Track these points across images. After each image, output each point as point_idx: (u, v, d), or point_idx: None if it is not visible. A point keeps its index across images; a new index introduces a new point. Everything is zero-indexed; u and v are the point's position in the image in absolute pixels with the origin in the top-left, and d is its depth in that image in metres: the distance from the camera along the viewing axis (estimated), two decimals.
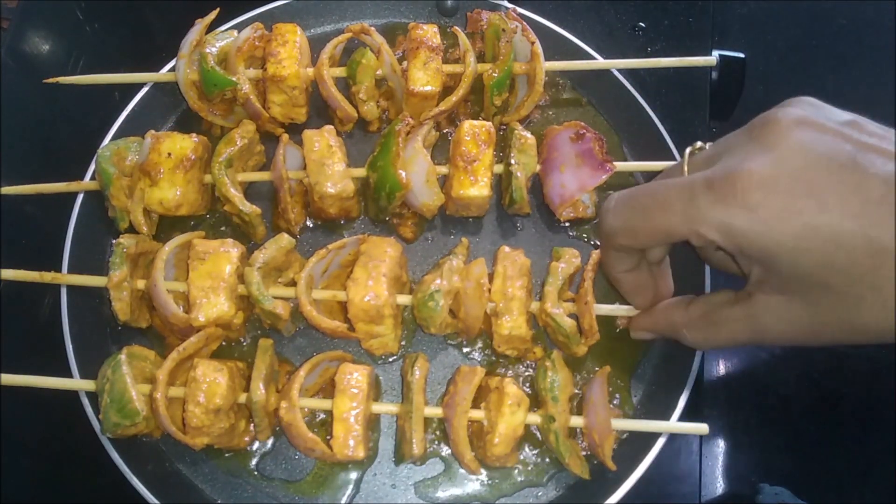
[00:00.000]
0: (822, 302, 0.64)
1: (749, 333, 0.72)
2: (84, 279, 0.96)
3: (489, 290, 0.91)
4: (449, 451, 0.93)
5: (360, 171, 0.99)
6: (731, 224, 0.63)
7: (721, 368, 1.04)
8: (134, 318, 0.94)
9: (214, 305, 0.89)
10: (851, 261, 0.60)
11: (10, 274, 0.96)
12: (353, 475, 0.93)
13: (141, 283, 0.94)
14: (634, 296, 0.88)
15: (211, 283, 0.90)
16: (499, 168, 1.00)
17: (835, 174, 0.60)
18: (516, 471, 0.93)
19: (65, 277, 0.96)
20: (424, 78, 1.01)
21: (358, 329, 0.93)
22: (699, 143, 0.75)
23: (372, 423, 0.94)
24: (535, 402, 0.92)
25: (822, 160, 0.61)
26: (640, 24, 1.24)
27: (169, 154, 0.96)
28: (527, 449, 0.93)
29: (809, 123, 0.63)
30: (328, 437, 0.87)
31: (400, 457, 0.93)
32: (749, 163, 0.63)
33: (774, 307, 0.68)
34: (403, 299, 0.92)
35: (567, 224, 1.04)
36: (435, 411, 0.90)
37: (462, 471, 0.93)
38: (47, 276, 0.95)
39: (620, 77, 1.07)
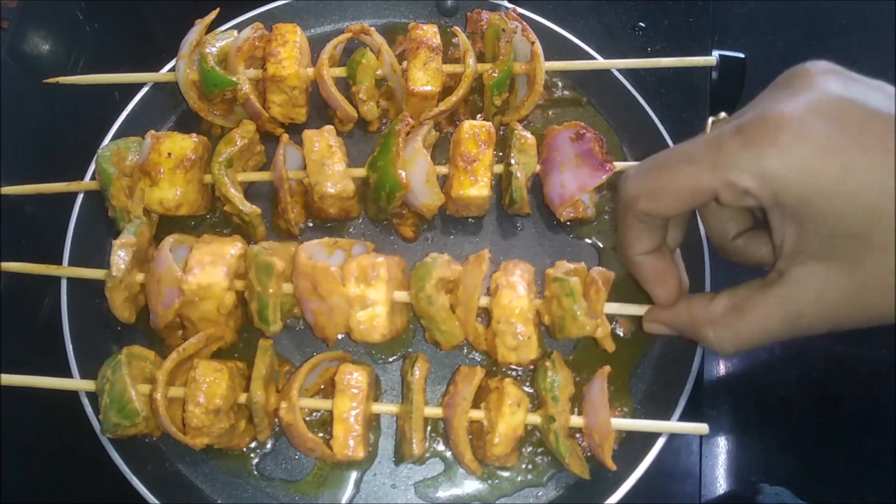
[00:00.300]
0: (864, 262, 0.58)
1: (783, 319, 0.64)
2: (85, 272, 0.96)
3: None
4: (449, 451, 0.93)
5: (360, 171, 0.99)
6: (765, 167, 0.58)
7: (721, 368, 1.04)
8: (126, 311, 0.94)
9: (210, 277, 0.89)
10: None
11: (11, 266, 0.96)
12: (353, 475, 0.93)
13: (140, 276, 0.94)
14: (656, 285, 0.77)
15: (211, 258, 0.90)
16: (499, 168, 1.00)
17: (871, 117, 0.56)
18: (516, 471, 0.93)
19: (66, 270, 0.96)
20: (424, 78, 1.01)
21: None
22: (723, 114, 0.71)
23: (372, 423, 0.94)
24: (536, 402, 0.92)
25: (856, 104, 0.57)
26: (640, 24, 1.24)
27: (169, 154, 0.96)
28: (527, 449, 0.93)
29: (839, 73, 0.60)
30: (328, 437, 0.87)
31: (400, 457, 0.93)
32: (780, 105, 0.59)
33: (811, 279, 0.61)
34: (400, 295, 0.92)
35: (567, 224, 1.04)
36: (435, 411, 0.90)
37: (462, 471, 0.93)
38: (52, 269, 0.95)
39: (620, 77, 1.07)
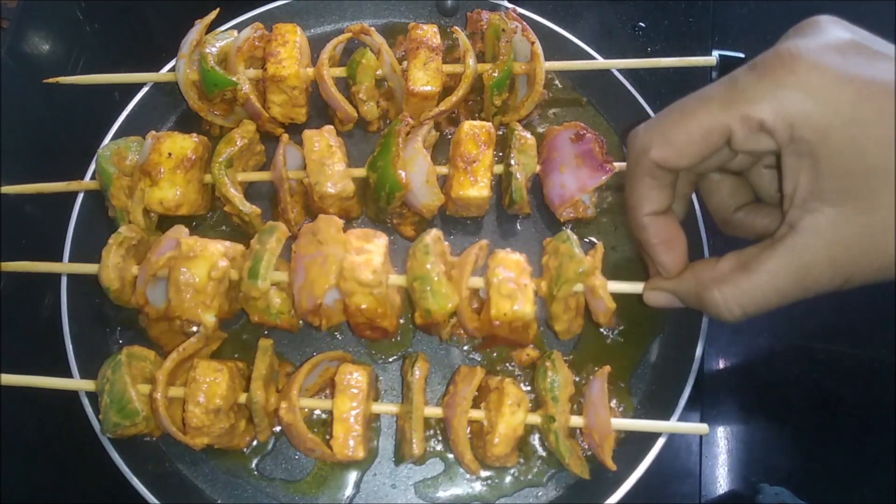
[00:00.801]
0: (881, 202, 0.57)
1: (793, 272, 0.62)
2: (86, 267, 0.96)
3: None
4: (449, 451, 0.93)
5: (360, 171, 0.99)
6: (781, 97, 0.58)
7: (721, 368, 1.04)
8: (123, 293, 0.93)
9: (209, 243, 0.90)
10: None
11: (11, 266, 0.96)
12: (353, 475, 0.93)
13: (135, 269, 0.94)
14: (663, 251, 0.73)
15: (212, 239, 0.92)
16: (499, 168, 1.00)
17: (879, 55, 0.58)
18: (516, 471, 0.93)
19: (66, 266, 0.97)
20: (424, 78, 1.01)
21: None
22: None
23: (372, 423, 0.94)
24: (535, 402, 0.92)
25: (864, 44, 0.59)
26: (640, 24, 1.24)
27: (169, 154, 0.96)
28: (527, 449, 0.93)
29: (844, 23, 0.62)
30: (328, 437, 0.87)
31: (400, 457, 0.93)
32: (794, 42, 0.60)
33: (824, 227, 0.60)
34: (397, 280, 0.91)
35: (567, 224, 1.04)
36: (435, 411, 0.90)
37: (462, 471, 0.93)
38: (52, 265, 0.96)
39: (620, 77, 1.07)
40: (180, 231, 0.93)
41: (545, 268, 0.89)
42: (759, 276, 0.63)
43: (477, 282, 0.89)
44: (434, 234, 0.89)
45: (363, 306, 0.86)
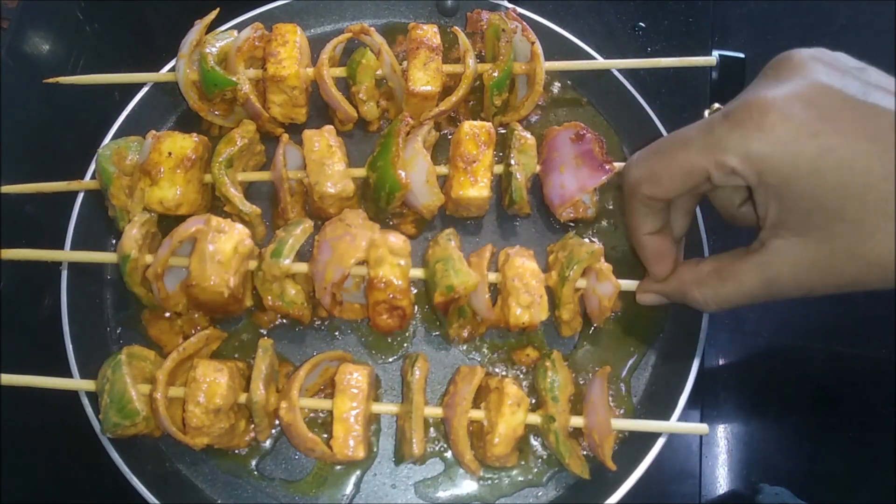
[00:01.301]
0: (836, 234, 0.65)
1: (760, 282, 0.72)
2: (88, 255, 0.96)
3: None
4: (449, 451, 0.93)
5: (360, 171, 0.99)
6: (749, 148, 0.65)
7: (721, 368, 1.04)
8: (136, 272, 0.93)
9: (236, 227, 0.92)
10: (867, 185, 0.61)
11: (11, 254, 0.96)
12: (353, 475, 0.93)
13: (149, 258, 0.93)
14: (656, 263, 0.85)
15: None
16: (499, 168, 1.00)
17: (848, 103, 0.63)
18: (516, 471, 0.93)
19: (68, 254, 0.97)
20: (424, 78, 1.01)
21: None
22: (716, 105, 0.77)
23: (372, 423, 0.94)
24: (536, 402, 0.92)
25: (834, 91, 0.63)
26: (640, 24, 1.24)
27: (169, 153, 0.96)
28: (527, 449, 0.93)
29: (823, 61, 0.66)
30: (328, 437, 0.87)
31: (400, 457, 0.93)
32: (764, 91, 0.65)
33: (788, 250, 0.68)
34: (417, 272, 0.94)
35: (567, 224, 1.04)
36: (435, 411, 0.90)
37: (462, 471, 0.93)
38: (54, 254, 0.96)
39: (620, 77, 1.07)
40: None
41: (553, 262, 0.94)
42: (731, 282, 0.75)
43: (492, 276, 0.92)
44: (452, 230, 0.96)
45: (389, 277, 0.89)
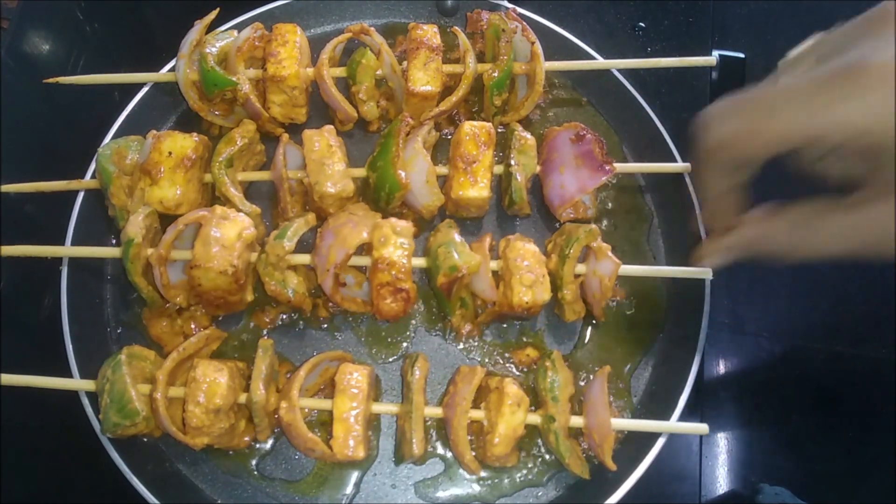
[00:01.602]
0: None
1: (858, 242, 0.67)
2: (88, 250, 0.96)
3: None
4: (449, 451, 0.93)
5: (360, 171, 0.99)
6: (864, 120, 0.60)
7: (721, 368, 1.04)
8: (140, 257, 0.93)
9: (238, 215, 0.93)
10: None
11: (10, 250, 0.96)
12: (353, 475, 0.93)
13: (151, 251, 0.93)
14: (717, 218, 0.80)
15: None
16: (499, 169, 1.00)
17: None
18: (516, 471, 0.93)
19: (68, 249, 0.97)
20: (424, 78, 1.01)
21: None
22: (793, 52, 0.72)
23: (372, 423, 0.94)
24: (536, 402, 0.92)
25: None
26: (640, 24, 1.24)
27: (170, 153, 0.96)
28: (527, 449, 0.93)
29: None
30: (328, 437, 0.87)
31: (400, 457, 0.93)
32: (875, 54, 0.60)
33: (884, 212, 0.63)
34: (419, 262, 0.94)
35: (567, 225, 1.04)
36: (435, 411, 0.90)
37: (462, 471, 0.93)
38: (53, 250, 0.96)
39: (620, 77, 1.07)
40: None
41: (552, 248, 0.95)
42: (821, 234, 0.69)
43: (493, 265, 0.93)
44: (452, 220, 0.98)
45: (392, 257, 0.89)
